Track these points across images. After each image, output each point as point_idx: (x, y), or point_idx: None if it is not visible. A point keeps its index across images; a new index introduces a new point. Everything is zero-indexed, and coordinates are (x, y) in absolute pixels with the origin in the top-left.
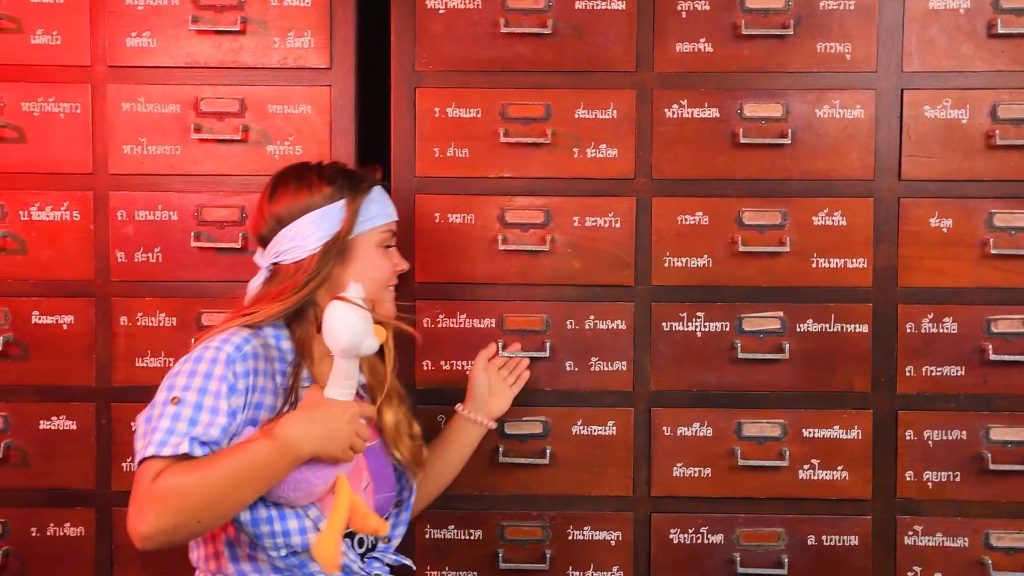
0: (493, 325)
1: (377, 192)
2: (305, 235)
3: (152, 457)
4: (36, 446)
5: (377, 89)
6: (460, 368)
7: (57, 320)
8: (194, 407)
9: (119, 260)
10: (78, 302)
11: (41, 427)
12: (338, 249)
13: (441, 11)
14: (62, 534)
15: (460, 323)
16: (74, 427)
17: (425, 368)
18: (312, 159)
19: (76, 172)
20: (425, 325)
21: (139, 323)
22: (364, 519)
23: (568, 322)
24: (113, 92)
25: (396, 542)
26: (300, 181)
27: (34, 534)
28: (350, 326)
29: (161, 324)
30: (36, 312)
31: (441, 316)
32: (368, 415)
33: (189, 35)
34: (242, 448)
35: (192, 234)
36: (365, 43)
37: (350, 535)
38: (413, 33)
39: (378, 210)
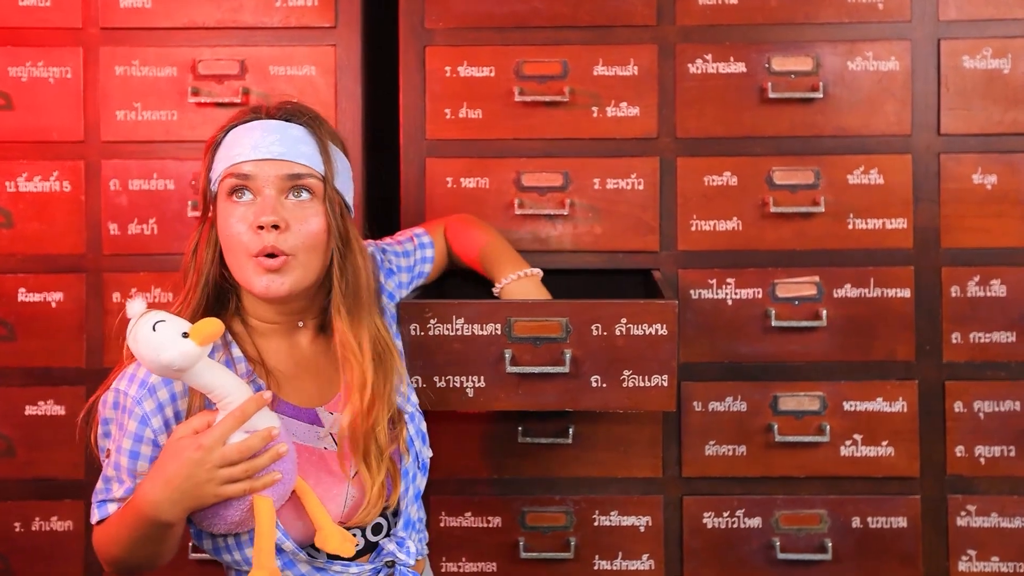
0: (499, 332)
1: (231, 135)
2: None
3: None
4: (21, 433)
5: (385, 49)
6: (458, 386)
7: (45, 298)
8: (113, 466)
9: (112, 232)
10: (68, 278)
11: (27, 412)
12: (204, 212)
13: None
14: (48, 528)
15: (458, 330)
16: (62, 412)
17: (415, 386)
18: None
19: (66, 140)
20: (413, 333)
21: None
22: (324, 537)
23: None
24: (106, 55)
25: (401, 522)
26: None
27: (18, 529)
28: (137, 346)
29: (156, 300)
30: (23, 289)
31: (433, 321)
32: (229, 428)
33: None
34: (123, 515)
35: (189, 203)
36: (372, 0)
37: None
38: None
39: (222, 155)
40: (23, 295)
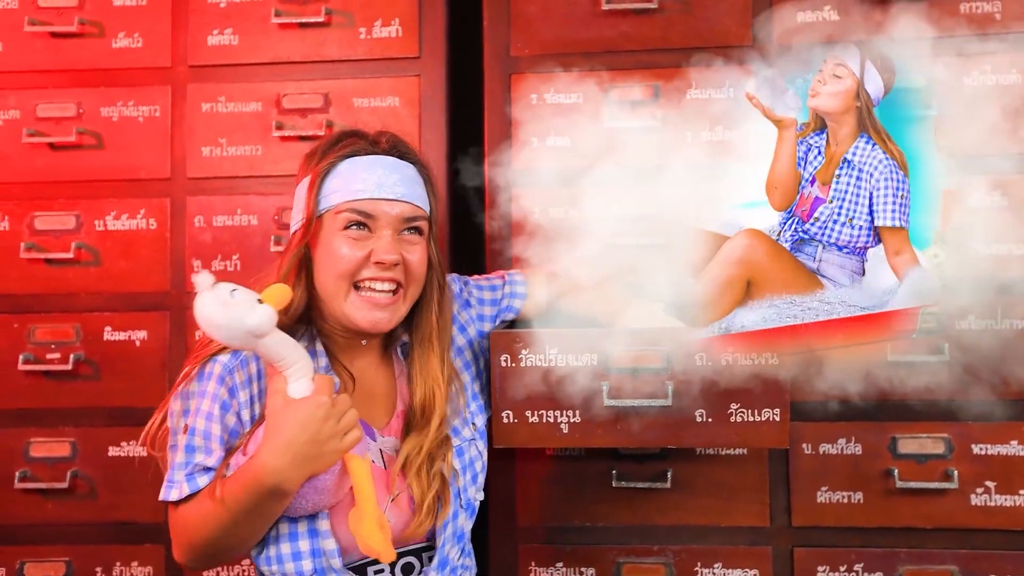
0: (595, 362)
1: (348, 164)
2: (295, 211)
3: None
4: (104, 475)
5: (470, 78)
6: (551, 421)
7: (130, 336)
8: (202, 434)
9: (196, 270)
10: (152, 316)
11: (110, 454)
12: (308, 230)
13: None
14: (129, 574)
15: (551, 360)
16: (144, 454)
17: (506, 421)
18: None
19: (154, 178)
20: (504, 364)
21: None
22: (368, 532)
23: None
24: (193, 92)
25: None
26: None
27: (99, 574)
28: (219, 312)
29: None
30: (108, 328)
31: (525, 352)
32: (329, 389)
33: (272, 30)
34: (232, 490)
35: (272, 238)
36: (456, 29)
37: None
38: (507, 16)
39: (339, 185)
40: (109, 334)
